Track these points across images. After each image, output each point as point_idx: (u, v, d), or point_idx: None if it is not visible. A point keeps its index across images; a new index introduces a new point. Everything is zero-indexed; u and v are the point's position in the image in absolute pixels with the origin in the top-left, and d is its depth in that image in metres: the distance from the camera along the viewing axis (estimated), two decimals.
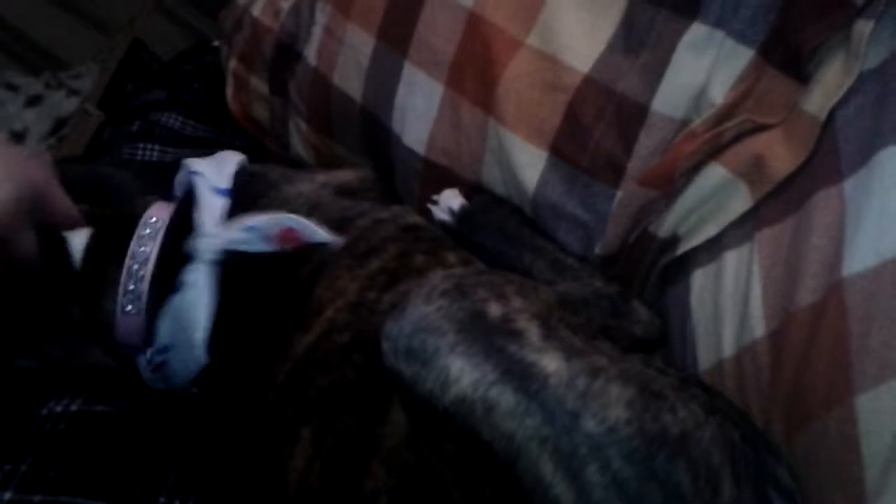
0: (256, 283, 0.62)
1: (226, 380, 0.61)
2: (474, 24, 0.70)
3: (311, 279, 0.61)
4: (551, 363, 0.46)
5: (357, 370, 0.55)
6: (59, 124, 1.48)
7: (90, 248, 0.62)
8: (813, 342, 0.53)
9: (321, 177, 0.72)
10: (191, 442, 0.62)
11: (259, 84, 0.92)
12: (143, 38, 1.48)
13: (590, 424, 0.45)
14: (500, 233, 0.70)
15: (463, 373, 0.45)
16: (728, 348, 0.59)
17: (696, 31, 0.61)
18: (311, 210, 0.66)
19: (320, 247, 0.63)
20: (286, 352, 0.58)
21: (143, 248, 0.61)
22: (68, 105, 1.51)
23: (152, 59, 1.46)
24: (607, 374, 0.47)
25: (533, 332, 0.48)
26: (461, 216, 0.71)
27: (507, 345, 0.47)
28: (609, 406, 0.46)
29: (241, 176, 0.67)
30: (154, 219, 0.63)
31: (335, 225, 0.65)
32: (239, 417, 0.60)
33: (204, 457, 0.62)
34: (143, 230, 0.62)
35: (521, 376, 0.46)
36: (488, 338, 0.47)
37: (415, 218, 0.71)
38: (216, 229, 0.61)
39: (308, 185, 0.70)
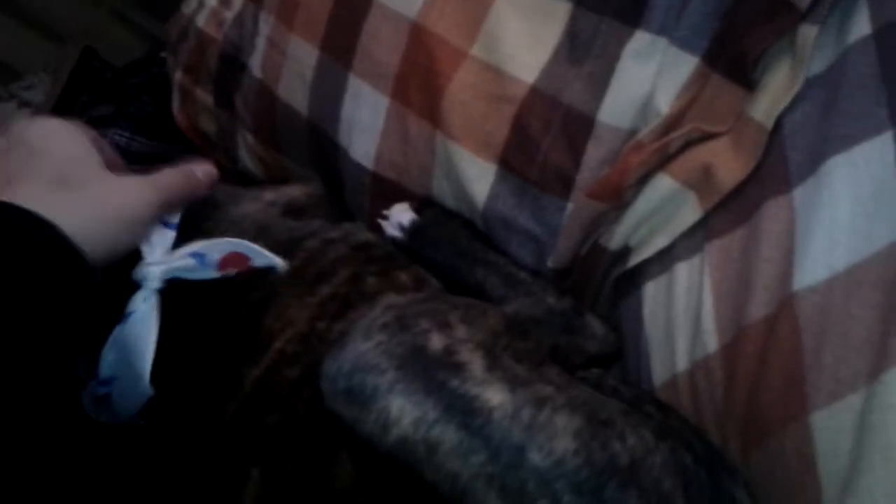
0: (204, 312, 0.60)
1: (173, 415, 0.59)
2: (417, 35, 0.68)
3: (261, 307, 0.59)
4: (495, 396, 0.45)
5: (307, 406, 0.53)
6: None
7: None
8: (766, 358, 0.52)
9: (268, 195, 0.70)
10: (134, 481, 0.60)
11: (204, 96, 0.90)
12: (96, 47, 1.45)
13: (536, 458, 0.43)
14: (451, 247, 0.68)
15: (403, 412, 0.44)
16: (682, 363, 0.58)
17: (640, 39, 0.60)
18: (259, 233, 0.64)
19: (269, 272, 0.62)
20: (235, 386, 0.57)
21: None
22: (20, 117, 1.47)
23: (105, 67, 1.43)
24: (553, 403, 0.46)
25: (476, 363, 0.47)
26: (412, 231, 0.70)
27: (449, 379, 0.45)
28: (555, 437, 0.44)
29: None
30: None
31: (284, 248, 0.63)
32: (187, 455, 0.58)
33: (149, 497, 0.60)
34: None
35: (464, 412, 0.44)
36: (429, 373, 0.45)
37: (366, 235, 0.69)
38: (162, 257, 0.59)
39: (254, 204, 0.68)
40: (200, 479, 0.57)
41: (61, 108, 1.33)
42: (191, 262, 0.59)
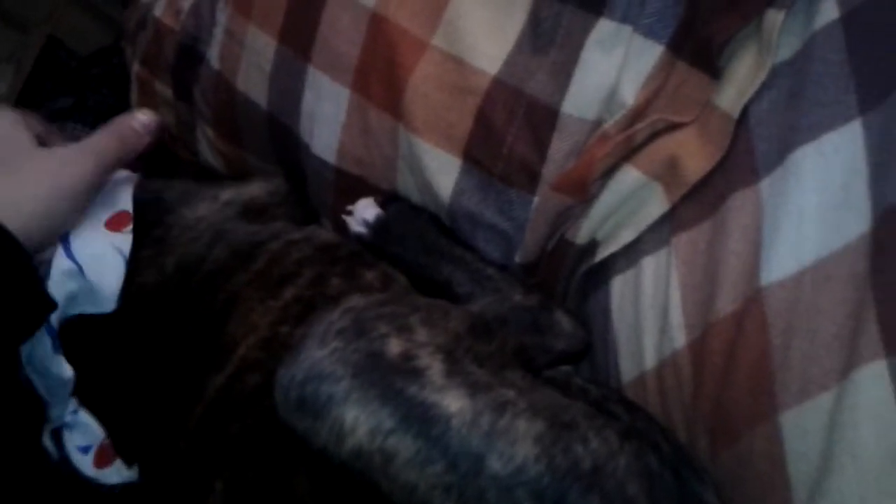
0: (168, 320, 0.58)
1: (138, 426, 0.58)
2: (377, 25, 0.66)
3: (225, 312, 0.58)
4: (454, 402, 0.44)
5: (269, 415, 0.51)
6: None
7: None
8: (734, 354, 0.51)
9: (226, 194, 0.68)
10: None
11: (163, 88, 0.87)
12: (60, 36, 1.42)
13: (496, 466, 0.42)
14: (417, 244, 0.66)
15: (358, 422, 0.42)
16: (650, 359, 0.57)
17: (603, 27, 0.58)
18: (216, 237, 0.62)
19: (233, 276, 0.60)
20: (198, 394, 0.55)
21: None
22: None
23: (70, 57, 1.40)
24: (515, 408, 0.45)
25: (436, 368, 0.45)
26: (377, 227, 0.68)
27: (406, 386, 0.44)
28: (516, 443, 0.43)
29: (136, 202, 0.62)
30: None
31: (245, 253, 0.61)
32: (150, 466, 0.57)
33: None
34: None
35: (422, 420, 0.43)
36: (386, 381, 0.44)
37: (330, 235, 0.67)
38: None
39: (210, 205, 0.66)
40: (165, 492, 0.55)
41: (25, 98, 1.30)
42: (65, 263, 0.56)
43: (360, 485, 0.43)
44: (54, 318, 0.55)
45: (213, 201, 0.66)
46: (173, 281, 0.59)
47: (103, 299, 0.56)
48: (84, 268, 0.55)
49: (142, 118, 0.62)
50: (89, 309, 0.56)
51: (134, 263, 0.58)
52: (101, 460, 0.58)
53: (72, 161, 0.55)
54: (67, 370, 0.55)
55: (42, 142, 0.58)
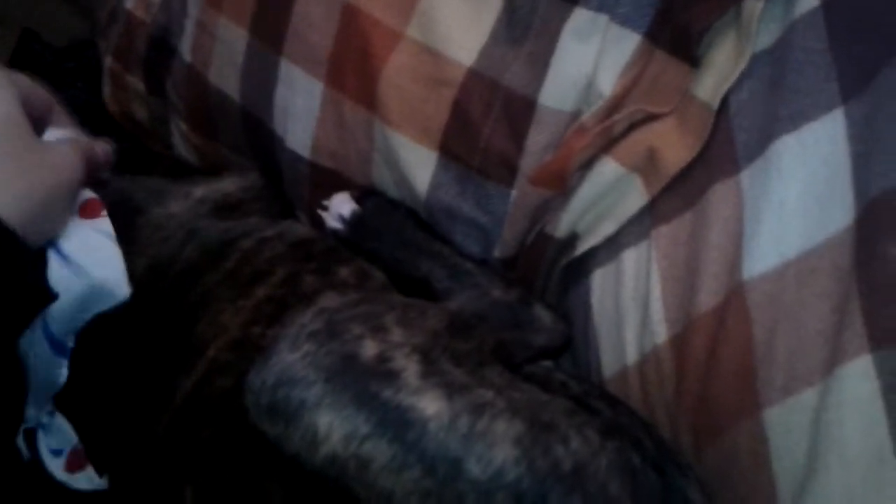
0: (136, 320, 0.57)
1: (107, 431, 0.56)
2: (350, 16, 0.65)
3: (194, 313, 0.56)
4: (431, 405, 0.43)
5: (240, 419, 0.50)
6: None
7: None
8: (716, 350, 0.50)
9: (198, 191, 0.66)
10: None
11: (136, 82, 0.86)
12: (36, 28, 1.39)
13: (475, 470, 0.41)
14: (395, 239, 0.65)
15: (332, 429, 0.41)
16: (631, 354, 0.56)
17: (579, 16, 0.57)
18: (188, 236, 0.61)
19: (204, 275, 0.58)
20: (167, 398, 0.53)
21: None
22: None
23: (46, 50, 1.37)
24: (493, 409, 0.44)
25: (412, 370, 0.44)
26: (353, 222, 0.67)
27: (381, 390, 0.43)
28: (495, 446, 0.42)
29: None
30: None
31: (216, 252, 0.60)
32: (120, 472, 0.55)
33: None
34: None
35: (398, 425, 0.42)
36: (360, 384, 0.43)
37: (304, 231, 0.66)
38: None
39: (182, 203, 0.64)
40: (135, 498, 0.54)
41: None
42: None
43: (335, 491, 0.42)
44: (58, 326, 0.53)
45: (185, 199, 0.64)
46: (144, 283, 0.57)
47: (113, 289, 0.55)
48: (80, 262, 0.54)
49: (106, 147, 0.62)
50: (102, 306, 0.54)
51: None
52: (73, 465, 0.56)
53: (69, 159, 0.55)
54: (63, 375, 0.54)
55: (43, 122, 0.58)
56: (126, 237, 0.58)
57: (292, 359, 0.44)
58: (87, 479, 0.56)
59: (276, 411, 0.42)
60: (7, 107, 0.52)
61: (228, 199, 0.68)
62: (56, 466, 0.56)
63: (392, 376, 0.44)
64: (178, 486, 0.50)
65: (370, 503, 0.41)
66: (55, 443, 0.57)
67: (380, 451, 0.41)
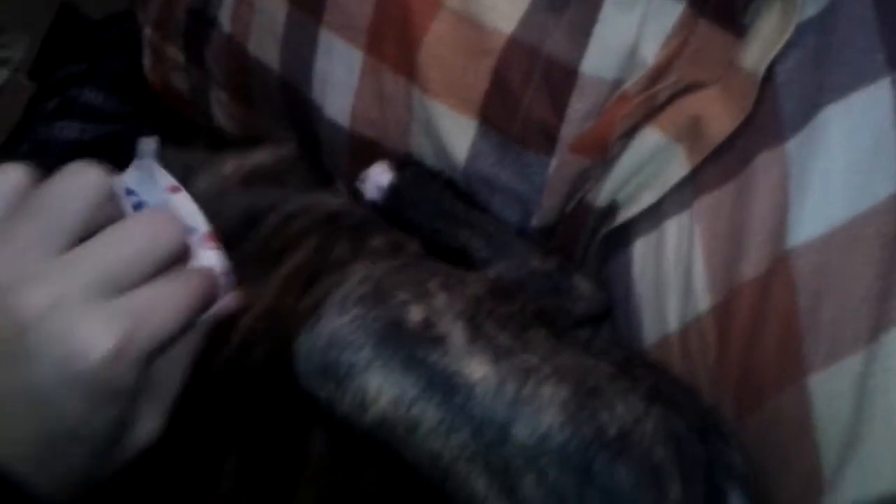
0: None
1: None
2: None
3: None
4: (478, 369, 0.43)
5: (277, 385, 0.51)
6: None
7: None
8: (760, 318, 0.50)
9: (229, 165, 0.67)
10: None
11: (175, 53, 0.86)
12: (75, 1, 1.40)
13: (522, 434, 0.42)
14: (433, 209, 0.66)
15: (381, 391, 0.42)
16: (673, 323, 0.56)
17: None
18: (215, 209, 0.61)
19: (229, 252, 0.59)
20: (205, 365, 0.54)
21: None
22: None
23: (84, 22, 1.38)
24: (539, 374, 0.44)
25: (457, 334, 0.45)
26: (391, 193, 0.67)
27: (428, 354, 0.43)
28: (541, 411, 0.42)
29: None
30: None
31: (241, 224, 0.60)
32: (162, 442, 0.56)
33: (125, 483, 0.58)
34: None
35: (445, 388, 0.42)
36: (408, 349, 0.43)
37: (335, 202, 0.66)
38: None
39: (210, 178, 0.64)
40: (177, 464, 0.55)
41: (39, 65, 1.29)
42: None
43: (380, 453, 0.43)
44: None
45: (212, 175, 0.65)
46: None
47: None
48: None
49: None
50: None
51: None
52: None
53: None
54: None
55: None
56: None
57: (341, 322, 0.44)
58: None
59: (326, 374, 0.43)
60: None
61: (261, 169, 0.68)
62: None
63: (438, 341, 0.44)
64: (220, 451, 0.51)
65: (419, 465, 0.42)
66: None
67: (428, 414, 0.42)
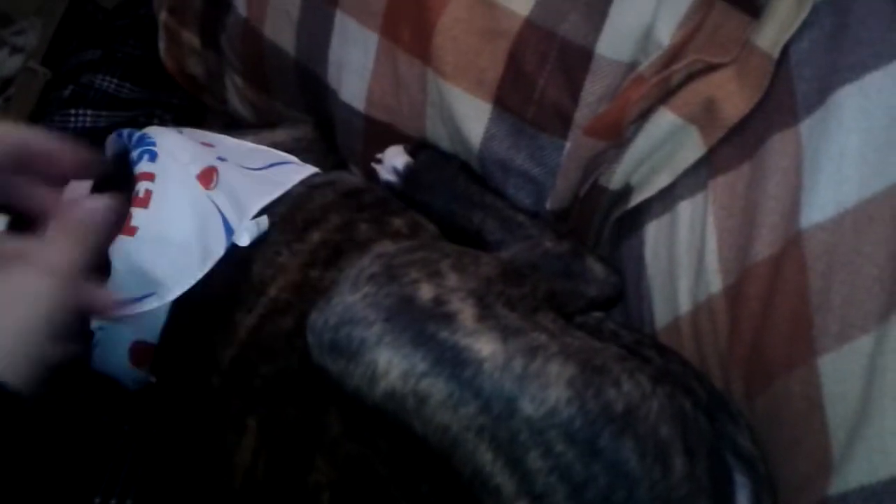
0: None
1: (166, 361, 0.58)
2: None
3: (249, 254, 0.57)
4: (486, 346, 0.43)
5: (301, 358, 0.51)
6: (5, 84, 1.42)
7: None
8: (771, 298, 0.50)
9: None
10: (135, 434, 0.59)
11: (191, 37, 0.87)
12: None
13: (528, 408, 0.42)
14: (447, 191, 0.66)
15: (391, 365, 0.42)
16: (684, 304, 0.56)
17: None
18: None
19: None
20: (230, 333, 0.55)
21: None
22: (12, 63, 1.44)
23: (97, 9, 1.39)
24: (546, 351, 0.44)
25: (467, 313, 0.45)
26: (407, 175, 0.68)
27: (438, 331, 0.43)
28: (548, 386, 0.43)
29: None
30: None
31: None
32: (184, 404, 0.57)
33: (149, 449, 0.59)
34: None
35: (454, 364, 0.42)
36: (418, 325, 0.44)
37: (356, 181, 0.66)
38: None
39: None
40: (198, 430, 0.55)
41: (52, 53, 1.30)
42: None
43: (390, 427, 0.43)
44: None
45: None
46: None
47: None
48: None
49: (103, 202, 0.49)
50: None
51: None
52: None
53: (30, 294, 0.43)
54: None
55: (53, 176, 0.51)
56: None
57: (353, 299, 0.45)
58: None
59: (337, 349, 0.43)
60: None
61: (278, 147, 0.69)
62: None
63: (448, 318, 0.44)
64: (241, 417, 0.52)
65: (428, 438, 0.42)
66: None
67: (437, 388, 0.42)
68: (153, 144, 0.59)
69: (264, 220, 0.57)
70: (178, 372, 0.58)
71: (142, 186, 0.56)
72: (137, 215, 0.55)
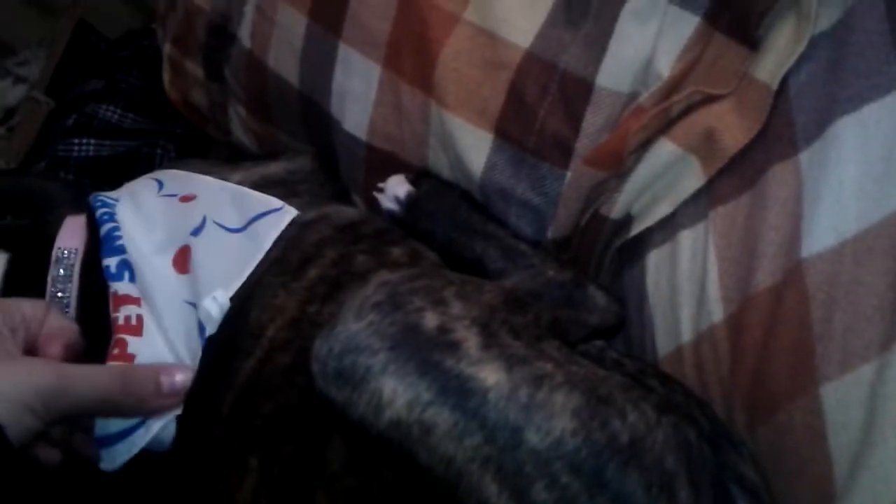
0: None
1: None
2: (408, 0, 0.66)
3: (246, 300, 0.57)
4: (491, 375, 0.44)
5: (300, 393, 0.51)
6: (8, 114, 1.43)
7: (7, 278, 0.58)
8: (773, 328, 0.50)
9: (237, 175, 0.68)
10: (137, 484, 0.59)
11: (195, 69, 0.87)
12: (90, 20, 1.42)
13: (534, 439, 0.42)
14: (449, 220, 0.66)
15: (396, 394, 0.42)
16: (686, 333, 0.56)
17: None
18: None
19: None
20: (230, 380, 0.55)
21: (60, 294, 0.58)
22: (16, 93, 1.45)
23: (100, 40, 1.40)
24: (552, 381, 0.44)
25: (472, 341, 0.45)
26: (408, 204, 0.68)
27: (443, 359, 0.44)
28: (553, 417, 0.43)
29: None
30: (65, 252, 0.59)
31: None
32: (186, 454, 0.57)
33: (152, 495, 0.59)
34: (57, 270, 0.58)
35: (459, 393, 0.43)
36: (423, 353, 0.44)
37: (353, 213, 0.67)
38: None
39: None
40: (200, 475, 0.55)
41: (56, 83, 1.31)
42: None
43: (395, 456, 0.43)
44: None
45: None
46: None
47: None
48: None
49: (182, 377, 0.55)
50: None
51: None
52: None
53: (25, 372, 0.48)
54: None
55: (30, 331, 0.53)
56: None
57: (357, 328, 0.45)
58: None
59: (342, 377, 0.44)
60: None
61: (271, 179, 0.69)
62: None
63: (453, 347, 0.45)
64: (243, 457, 0.52)
65: (433, 468, 0.42)
66: None
67: (442, 417, 0.42)
68: (118, 230, 0.59)
69: (222, 296, 0.57)
70: (181, 430, 0.57)
71: (132, 312, 0.56)
72: (133, 343, 0.55)
